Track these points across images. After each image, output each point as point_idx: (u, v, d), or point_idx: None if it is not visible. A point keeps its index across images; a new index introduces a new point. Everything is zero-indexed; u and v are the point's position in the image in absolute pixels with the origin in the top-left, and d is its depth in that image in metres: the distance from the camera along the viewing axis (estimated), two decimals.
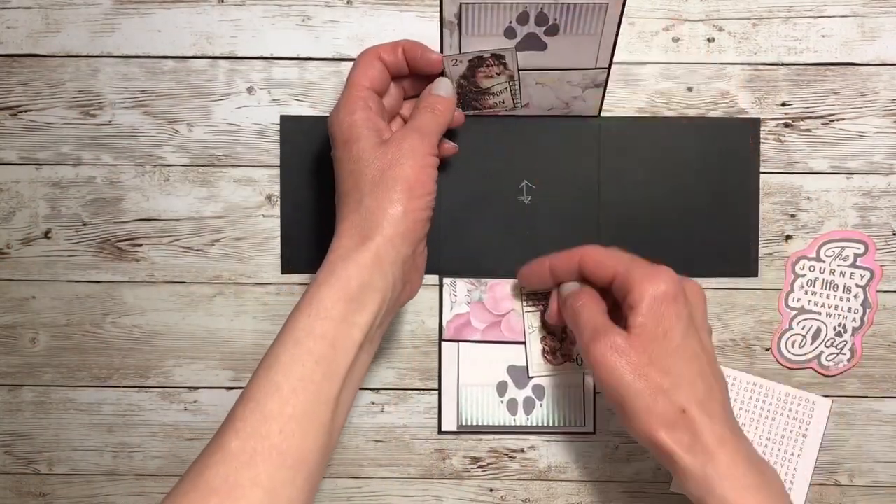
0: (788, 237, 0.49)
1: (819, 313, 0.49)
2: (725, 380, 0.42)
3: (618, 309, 0.42)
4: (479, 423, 0.49)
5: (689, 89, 0.48)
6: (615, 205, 0.48)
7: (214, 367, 0.49)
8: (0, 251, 0.49)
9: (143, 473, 0.50)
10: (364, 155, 0.40)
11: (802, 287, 0.49)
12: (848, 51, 0.48)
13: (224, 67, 0.48)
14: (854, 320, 0.49)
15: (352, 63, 0.42)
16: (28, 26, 0.48)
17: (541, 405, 0.49)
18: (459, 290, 0.49)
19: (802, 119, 0.48)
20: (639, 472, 0.50)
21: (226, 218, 0.49)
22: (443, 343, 0.49)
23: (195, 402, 0.50)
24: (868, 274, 0.48)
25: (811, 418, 0.49)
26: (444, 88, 0.44)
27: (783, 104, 0.48)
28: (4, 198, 0.49)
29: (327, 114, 0.48)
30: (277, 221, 0.49)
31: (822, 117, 0.48)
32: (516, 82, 0.45)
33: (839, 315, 0.49)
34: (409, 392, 0.49)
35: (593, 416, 0.49)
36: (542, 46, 0.43)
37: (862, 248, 0.48)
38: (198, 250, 0.49)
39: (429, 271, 0.49)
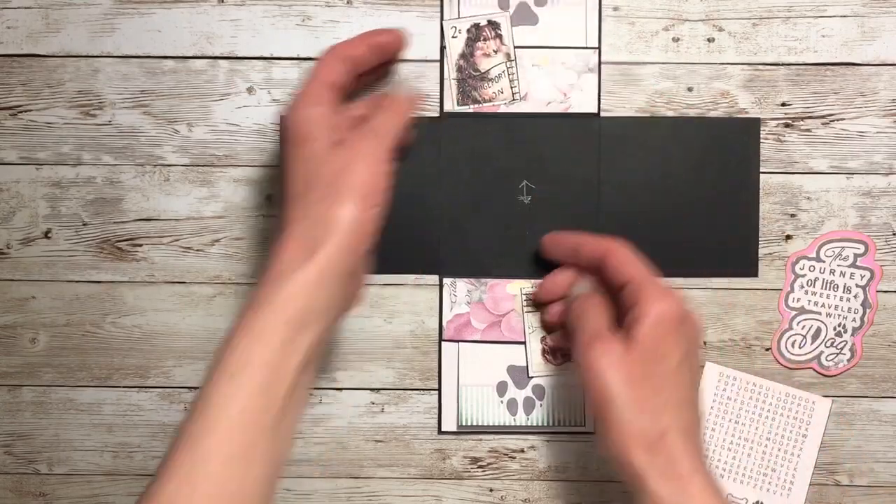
0: (788, 237, 0.49)
1: (819, 313, 0.49)
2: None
3: (621, 322, 0.41)
4: (479, 423, 0.49)
5: (689, 89, 0.48)
6: (615, 205, 0.48)
7: None
8: (0, 251, 0.49)
9: (143, 473, 0.50)
10: (318, 156, 0.38)
11: (802, 287, 0.49)
12: (848, 51, 0.48)
13: (224, 67, 0.48)
14: (854, 320, 0.49)
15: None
16: (28, 26, 0.48)
17: (541, 405, 0.49)
18: (459, 290, 0.49)
19: (802, 119, 0.48)
20: None
21: (226, 218, 0.49)
22: (443, 343, 0.49)
23: None
24: (868, 274, 0.48)
25: (811, 418, 0.49)
26: (405, 89, 0.43)
27: (783, 104, 0.48)
28: (4, 198, 0.49)
29: None
30: (277, 221, 0.49)
31: (822, 117, 0.48)
32: (513, 63, 0.46)
33: (839, 315, 0.49)
34: (409, 392, 0.49)
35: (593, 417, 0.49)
36: (534, 20, 0.46)
37: (862, 248, 0.48)
38: (198, 250, 0.49)
39: (428, 271, 0.49)
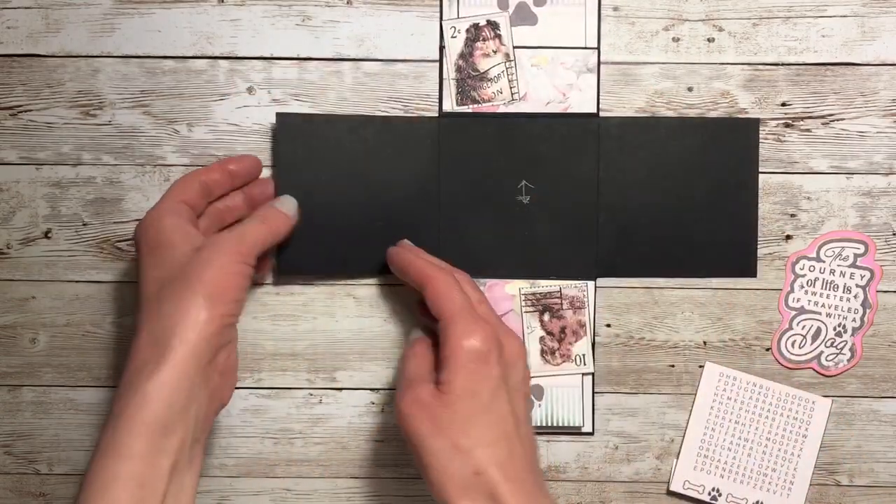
0: (788, 237, 0.49)
1: (819, 313, 0.49)
2: (536, 443, 0.40)
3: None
4: None
5: (689, 89, 0.48)
6: (614, 205, 0.48)
7: None
8: (0, 251, 0.49)
9: None
10: (174, 259, 0.38)
11: (802, 287, 0.49)
12: (848, 51, 0.48)
13: (224, 67, 0.48)
14: (854, 320, 0.49)
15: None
16: (28, 26, 0.48)
17: (539, 405, 0.49)
18: None
19: (802, 119, 0.48)
20: (639, 472, 0.50)
21: None
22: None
23: None
24: (868, 274, 0.48)
25: (811, 418, 0.49)
26: (286, 205, 0.43)
27: (783, 104, 0.48)
28: (4, 198, 0.49)
29: (328, 114, 0.48)
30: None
31: (822, 117, 0.48)
32: (512, 62, 0.46)
33: (839, 315, 0.49)
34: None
35: (592, 417, 0.49)
36: (534, 20, 0.46)
37: (862, 248, 0.48)
38: None
39: None
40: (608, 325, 0.49)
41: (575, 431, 0.49)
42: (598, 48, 0.48)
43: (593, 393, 0.49)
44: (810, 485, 0.49)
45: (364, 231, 0.47)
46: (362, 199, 0.47)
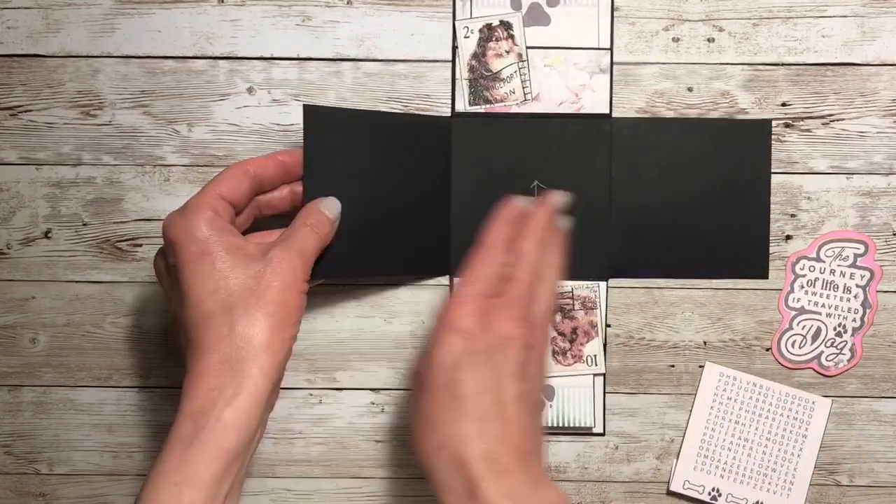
0: (788, 237, 0.49)
1: (819, 313, 0.49)
2: (532, 427, 0.39)
3: None
4: None
5: (689, 89, 0.48)
6: (626, 206, 0.48)
7: None
8: (0, 251, 0.49)
9: (142, 473, 0.50)
10: (232, 271, 0.35)
11: (802, 287, 0.49)
12: (848, 51, 0.48)
13: (224, 67, 0.48)
14: (854, 320, 0.49)
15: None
16: (28, 26, 0.48)
17: (551, 406, 0.49)
18: None
19: (802, 119, 0.48)
20: (639, 472, 0.50)
21: None
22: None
23: None
24: (868, 274, 0.48)
25: (811, 418, 0.49)
26: (331, 208, 0.41)
27: (783, 104, 0.48)
28: (4, 198, 0.49)
29: None
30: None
31: (822, 117, 0.48)
32: (525, 63, 0.46)
33: (839, 315, 0.49)
34: (410, 392, 0.49)
35: (603, 418, 0.49)
36: (546, 20, 0.46)
37: (862, 248, 0.48)
38: None
39: (439, 272, 0.49)
40: (608, 325, 0.49)
41: (585, 432, 0.49)
42: (611, 49, 0.48)
43: (604, 394, 0.49)
44: (810, 485, 0.49)
45: (378, 231, 0.45)
46: (378, 197, 0.45)
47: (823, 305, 0.49)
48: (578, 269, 0.48)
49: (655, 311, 0.49)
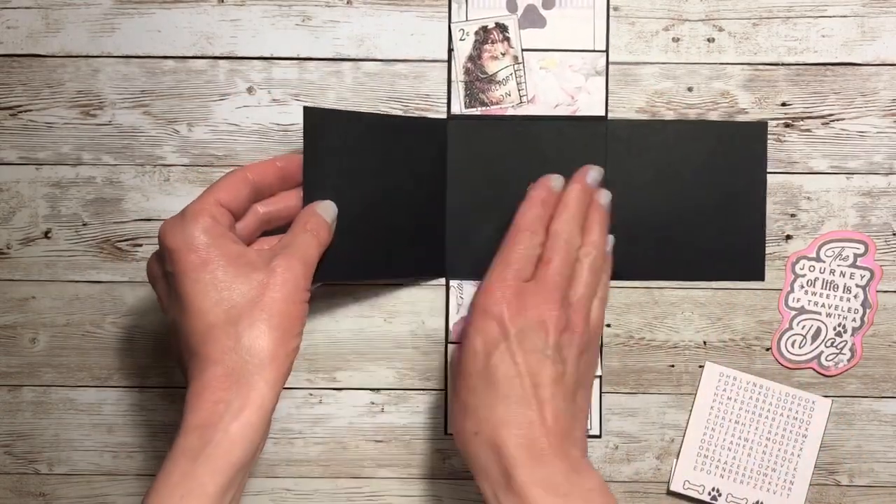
0: (788, 237, 0.49)
1: (819, 313, 0.49)
2: (570, 410, 0.39)
3: None
4: None
5: (689, 89, 0.48)
6: (622, 208, 0.48)
7: None
8: (0, 251, 0.49)
9: (143, 473, 0.50)
10: (234, 282, 0.35)
11: (802, 287, 0.49)
12: (848, 51, 0.48)
13: (224, 67, 0.48)
14: (854, 320, 0.49)
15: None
16: (28, 26, 0.48)
17: None
18: (466, 293, 0.49)
19: (802, 119, 0.48)
20: (639, 472, 0.50)
21: None
22: (449, 345, 0.49)
23: None
24: (868, 274, 0.48)
25: (811, 418, 0.49)
26: (328, 212, 0.40)
27: (783, 104, 0.48)
28: (4, 198, 0.49)
29: None
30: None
31: (822, 117, 0.48)
32: (521, 65, 0.46)
33: (839, 315, 0.49)
34: (410, 392, 0.49)
35: (599, 420, 0.49)
36: (542, 22, 0.46)
37: (862, 248, 0.48)
38: None
39: (435, 274, 0.49)
40: (608, 325, 0.49)
41: None
42: (607, 51, 0.48)
43: (601, 395, 0.49)
44: (810, 485, 0.49)
45: (374, 233, 0.45)
46: (375, 199, 0.45)
47: (823, 305, 0.49)
48: None
49: (655, 311, 0.49)
